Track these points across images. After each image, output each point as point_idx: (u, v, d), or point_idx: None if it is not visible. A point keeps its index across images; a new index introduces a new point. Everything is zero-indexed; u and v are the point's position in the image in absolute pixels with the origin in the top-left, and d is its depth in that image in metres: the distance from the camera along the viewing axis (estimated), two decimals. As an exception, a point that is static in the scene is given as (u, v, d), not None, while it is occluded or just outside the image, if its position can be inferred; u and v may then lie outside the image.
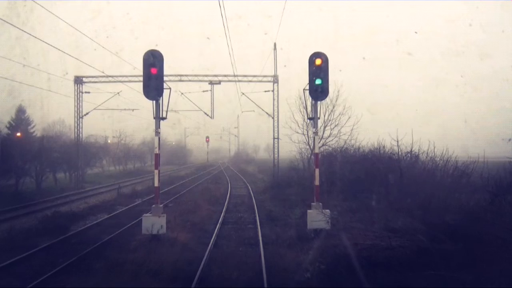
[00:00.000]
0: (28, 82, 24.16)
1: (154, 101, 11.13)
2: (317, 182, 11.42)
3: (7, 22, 17.66)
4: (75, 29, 20.23)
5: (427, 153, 14.35)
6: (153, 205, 11.16)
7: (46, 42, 19.07)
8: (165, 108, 11.52)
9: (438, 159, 13.81)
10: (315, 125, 11.44)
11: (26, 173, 25.64)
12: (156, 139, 11.14)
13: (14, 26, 17.90)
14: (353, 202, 15.63)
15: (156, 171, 11.18)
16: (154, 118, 11.19)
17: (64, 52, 20.78)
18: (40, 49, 21.70)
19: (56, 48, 19.79)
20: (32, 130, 41.45)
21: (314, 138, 11.64)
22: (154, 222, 10.80)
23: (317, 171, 11.44)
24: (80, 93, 27.68)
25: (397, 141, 13.27)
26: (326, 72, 10.98)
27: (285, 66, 37.11)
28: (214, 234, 12.17)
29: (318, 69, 10.96)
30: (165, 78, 27.76)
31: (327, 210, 11.15)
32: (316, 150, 11.59)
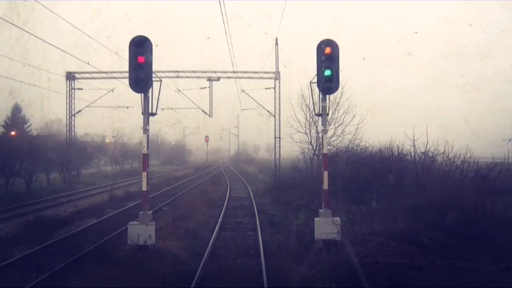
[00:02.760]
0: (26, 80, 23.39)
1: (142, 95, 9.88)
2: (325, 186, 10.17)
3: (7, 21, 16.98)
4: (76, 28, 19.04)
5: (443, 153, 13.16)
6: (141, 212, 9.90)
7: (46, 41, 18.26)
8: (155, 103, 10.28)
9: (457, 159, 12.61)
10: (323, 122, 10.17)
11: (16, 173, 24.50)
12: (145, 137, 9.88)
13: (14, 25, 17.21)
14: (363, 207, 14.37)
15: (144, 174, 9.94)
16: (142, 113, 9.94)
17: (65, 52, 19.62)
18: (40, 48, 21.18)
19: (55, 47, 18.70)
20: (28, 129, 40.48)
21: (322, 136, 10.38)
22: (141, 231, 9.54)
23: (325, 173, 10.18)
24: (72, 90, 26.37)
25: (413, 140, 11.99)
26: (337, 62, 9.72)
27: (285, 66, 36.20)
28: (210, 243, 10.92)
29: (328, 58, 9.70)
30: (161, 75, 26.82)
31: (337, 218, 9.89)
32: (325, 150, 10.32)
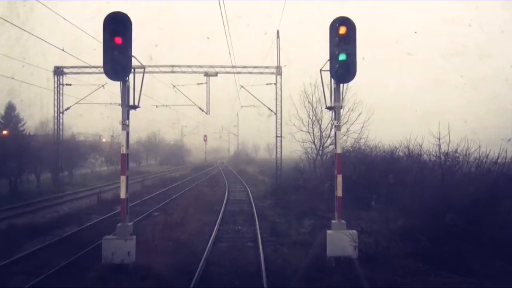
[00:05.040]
0: (19, 78, 22.38)
1: (121, 83, 8.29)
2: (339, 193, 8.55)
3: (6, 20, 16.52)
4: (75, 27, 17.68)
5: (468, 154, 11.60)
6: (119, 224, 8.29)
7: (46, 41, 17.33)
8: (137, 94, 8.68)
9: (484, 159, 11.07)
10: (337, 116, 8.56)
11: (1, 174, 22.99)
12: (123, 134, 8.26)
13: (14, 24, 16.66)
14: (376, 214, 12.90)
15: (122, 178, 8.30)
16: (121, 105, 8.34)
17: (51, 44, 18.12)
18: (32, 45, 20.51)
19: (45, 41, 17.35)
20: (22, 128, 39.00)
21: (335, 133, 8.76)
22: (117, 248, 7.92)
23: (339, 177, 8.57)
24: (61, 86, 24.75)
25: (439, 139, 10.38)
26: (353, 44, 8.12)
27: (285, 66, 35.16)
28: (203, 259, 9.32)
29: (343, 40, 8.10)
30: (155, 70, 25.14)
31: (354, 231, 8.30)
32: (339, 150, 8.69)
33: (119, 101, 8.42)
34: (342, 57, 8.09)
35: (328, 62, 8.47)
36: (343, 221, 8.50)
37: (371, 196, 14.83)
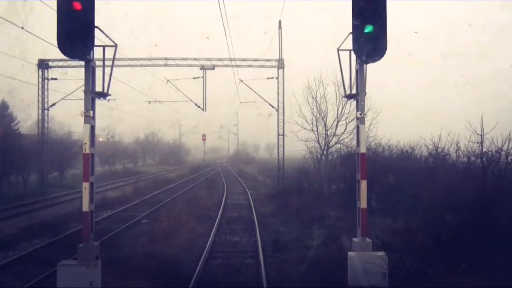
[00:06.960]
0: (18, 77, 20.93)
1: (85, 64, 6.46)
2: (363, 204, 6.71)
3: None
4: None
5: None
6: (80, 245, 6.43)
7: (43, 39, 15.67)
8: (107, 78, 6.86)
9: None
10: (359, 106, 6.71)
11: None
12: (87, 128, 6.40)
13: (14, 24, 15.46)
14: (391, 220, 11.24)
15: (85, 185, 6.48)
16: (84, 91, 6.51)
17: (23, 28, 16.45)
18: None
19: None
20: (16, 127, 37.33)
21: (357, 127, 6.90)
22: (76, 277, 6.07)
23: (363, 184, 6.73)
24: (46, 80, 22.91)
25: (481, 136, 8.54)
26: (383, 11, 6.30)
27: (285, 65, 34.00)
28: (192, 283, 7.50)
29: (369, 7, 6.27)
30: (148, 62, 23.28)
31: (383, 254, 6.46)
32: (363, 149, 6.81)
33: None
34: (368, 28, 6.26)
35: (347, 39, 6.68)
36: (368, 240, 6.67)
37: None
